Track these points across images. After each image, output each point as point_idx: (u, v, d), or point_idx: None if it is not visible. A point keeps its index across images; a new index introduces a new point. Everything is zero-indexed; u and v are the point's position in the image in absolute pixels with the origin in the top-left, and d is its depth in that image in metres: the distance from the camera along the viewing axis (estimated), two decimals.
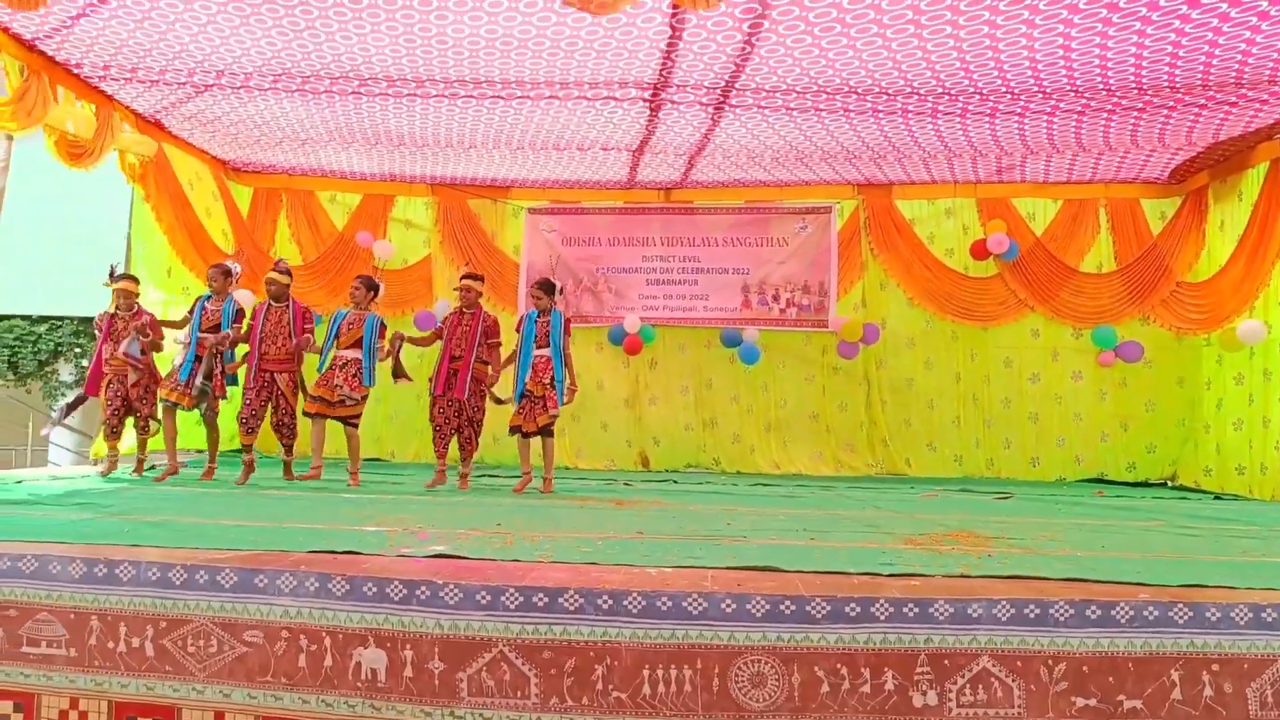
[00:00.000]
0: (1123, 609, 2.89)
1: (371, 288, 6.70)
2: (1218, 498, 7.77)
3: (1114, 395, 9.14)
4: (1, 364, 13.47)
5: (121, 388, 6.66)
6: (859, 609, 2.84)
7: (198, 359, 6.46)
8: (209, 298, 6.66)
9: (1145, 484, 8.97)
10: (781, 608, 2.83)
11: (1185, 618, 2.89)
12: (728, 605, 2.83)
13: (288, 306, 6.59)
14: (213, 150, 8.82)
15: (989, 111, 6.89)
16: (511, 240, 9.83)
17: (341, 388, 6.38)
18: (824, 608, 2.83)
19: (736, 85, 6.57)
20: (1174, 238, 8.79)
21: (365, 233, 9.52)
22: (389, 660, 2.84)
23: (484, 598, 2.84)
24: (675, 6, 5.35)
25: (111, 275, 6.70)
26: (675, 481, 7.89)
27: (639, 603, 2.82)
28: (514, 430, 6.47)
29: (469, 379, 6.46)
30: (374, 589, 2.89)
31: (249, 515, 4.60)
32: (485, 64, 6.36)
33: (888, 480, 9.10)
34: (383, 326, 6.61)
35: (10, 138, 6.63)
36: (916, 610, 2.84)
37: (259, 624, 2.92)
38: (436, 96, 7.01)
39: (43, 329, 13.69)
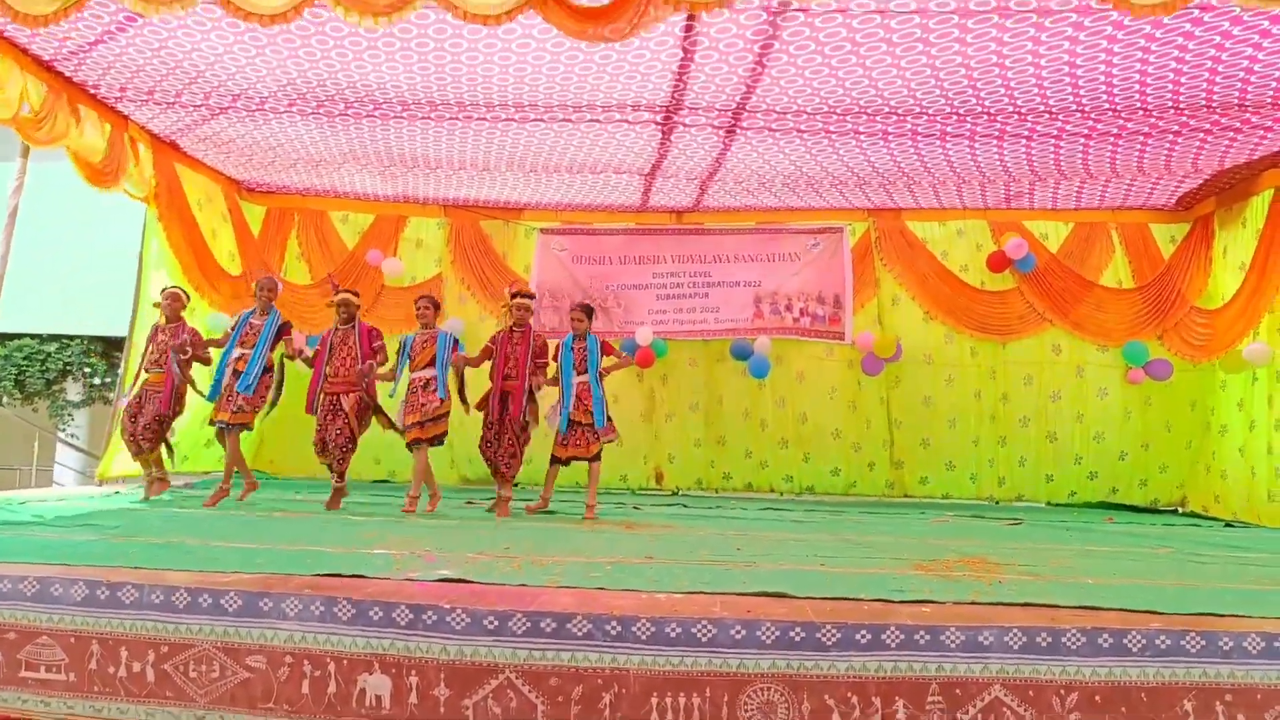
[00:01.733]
0: (1135, 637, 2.86)
1: (437, 306, 6.72)
2: (1228, 524, 7.70)
3: (1138, 414, 9.03)
4: (9, 382, 13.51)
5: (139, 402, 6.58)
6: (870, 636, 2.81)
7: (267, 370, 6.48)
8: (252, 313, 6.65)
9: (1155, 510, 8.89)
10: (791, 634, 2.81)
11: (1198, 647, 2.86)
12: (737, 632, 2.81)
13: (353, 328, 6.53)
14: (227, 171, 8.88)
15: (997, 134, 6.89)
16: (522, 259, 9.84)
17: (426, 406, 6.36)
18: (834, 634, 2.81)
19: (748, 107, 6.60)
20: (1183, 263, 8.76)
21: (375, 251, 9.55)
22: (394, 686, 2.82)
23: (491, 623, 2.83)
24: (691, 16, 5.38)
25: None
26: (685, 505, 7.86)
27: (648, 629, 2.81)
28: (557, 461, 6.53)
29: (525, 400, 6.44)
30: (380, 613, 2.88)
31: (256, 538, 4.60)
32: (499, 88, 6.41)
33: (899, 503, 9.05)
34: (455, 343, 6.61)
35: (26, 155, 6.69)
36: (928, 638, 2.82)
37: (262, 649, 2.90)
38: (450, 119, 7.05)
39: (52, 348, 13.74)
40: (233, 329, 6.65)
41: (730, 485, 9.52)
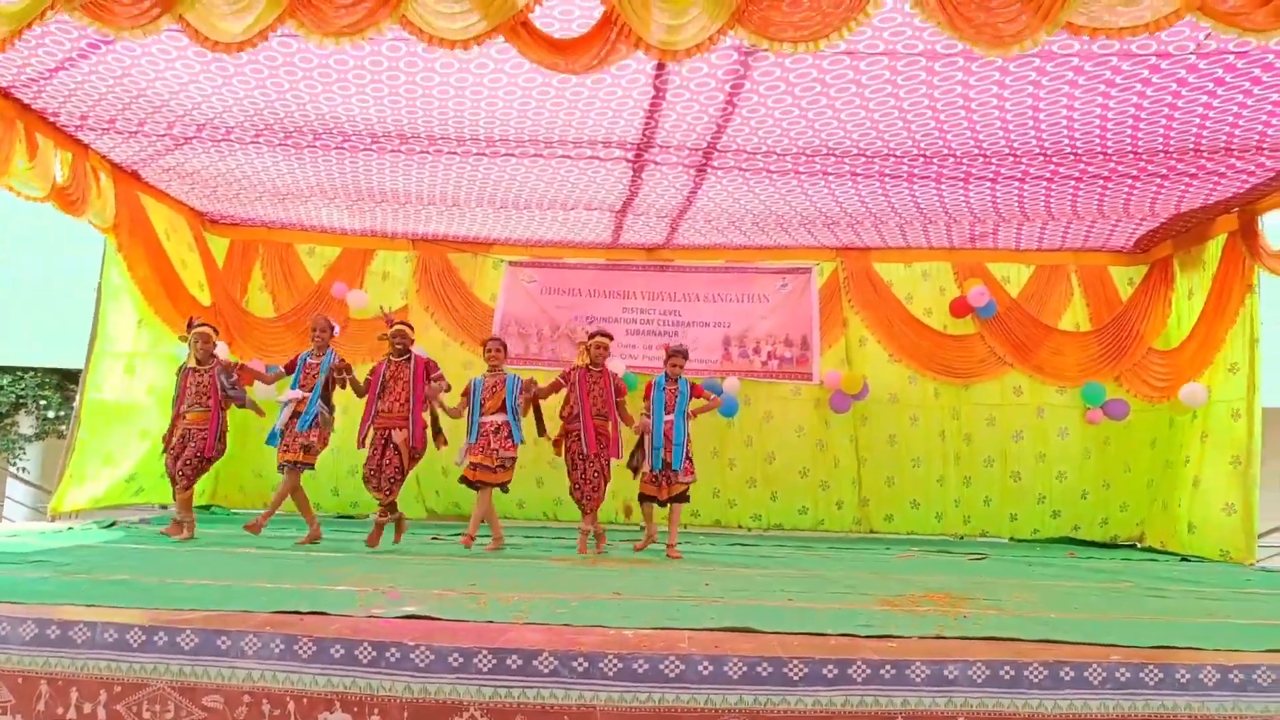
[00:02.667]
0: (1095, 670, 2.89)
1: (505, 347, 6.75)
2: (1184, 559, 7.83)
3: (1097, 454, 9.20)
4: None
5: (181, 443, 6.48)
6: (836, 671, 2.82)
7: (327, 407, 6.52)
8: (309, 354, 6.62)
9: (1115, 545, 9.01)
10: (759, 669, 2.80)
11: (1156, 679, 2.90)
12: (705, 667, 2.80)
13: (408, 361, 6.48)
14: (190, 202, 8.80)
15: (963, 176, 7.03)
16: (489, 289, 9.83)
17: (498, 451, 6.40)
18: (801, 669, 2.81)
19: (718, 146, 6.68)
20: (1141, 305, 8.96)
21: (340, 284, 9.50)
22: None
23: (456, 660, 2.79)
24: (658, 76, 5.48)
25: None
26: (653, 541, 7.81)
27: (615, 665, 2.79)
28: (647, 499, 6.71)
29: (617, 436, 6.62)
30: (342, 650, 2.83)
31: (213, 574, 4.51)
32: (470, 122, 6.44)
33: (865, 539, 9.08)
34: (522, 383, 6.64)
35: None
36: (893, 672, 2.83)
37: (219, 688, 2.84)
38: (421, 153, 7.05)
39: (4, 380, 13.44)
40: (288, 370, 6.66)
41: (698, 522, 9.50)
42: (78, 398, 7.73)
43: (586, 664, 2.78)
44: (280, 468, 6.44)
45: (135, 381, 8.07)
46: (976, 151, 6.54)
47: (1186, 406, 8.06)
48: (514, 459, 6.49)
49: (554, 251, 9.80)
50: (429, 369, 6.49)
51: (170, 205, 8.55)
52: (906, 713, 2.80)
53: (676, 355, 6.78)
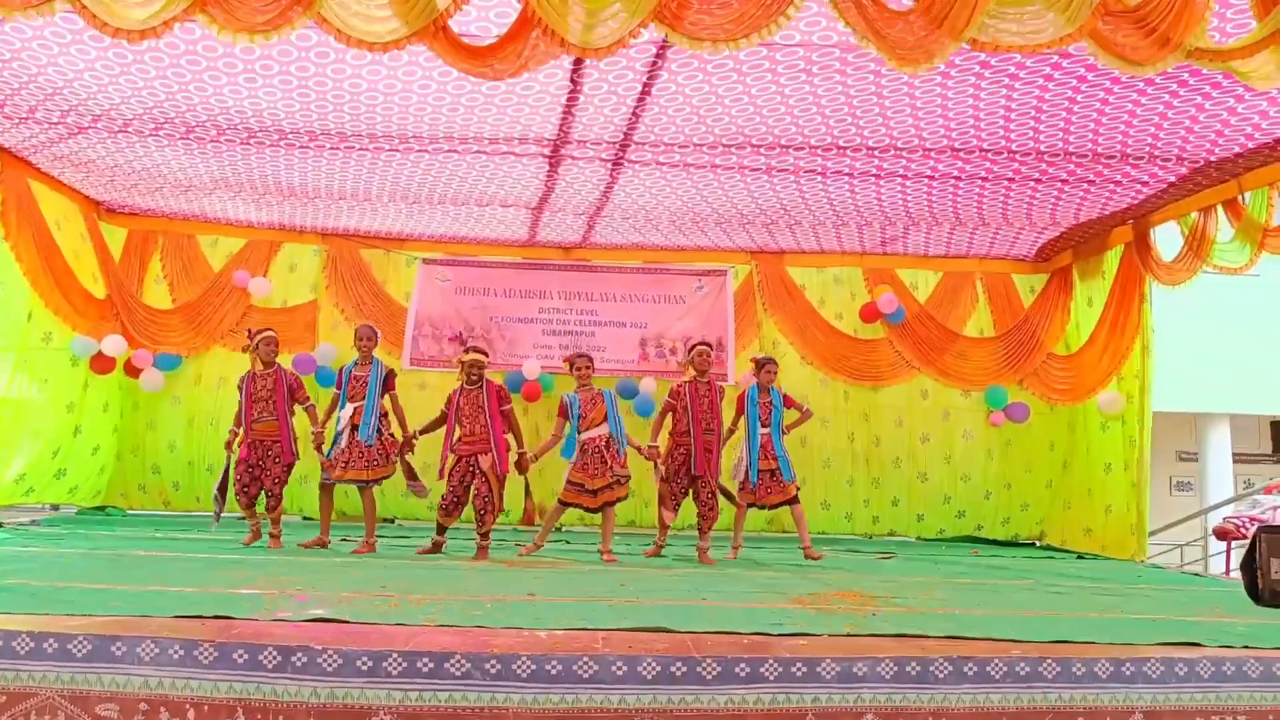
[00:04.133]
0: (997, 665, 2.99)
1: (592, 362, 6.62)
2: (1080, 557, 8.17)
3: (1000, 455, 9.51)
4: None
5: (257, 455, 6.31)
6: (749, 669, 2.85)
7: (388, 435, 6.41)
8: (354, 364, 6.45)
9: (1016, 543, 9.35)
10: (673, 669, 2.82)
11: (1054, 673, 3.02)
12: (619, 668, 2.80)
13: (482, 388, 6.33)
14: (85, 190, 8.40)
15: (875, 171, 7.14)
16: (402, 287, 9.64)
17: (612, 470, 6.30)
18: (715, 668, 2.83)
19: (635, 138, 6.65)
20: (1042, 312, 9.32)
21: (241, 271, 9.19)
22: None
23: (365, 664, 2.73)
24: (576, 71, 5.45)
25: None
26: (568, 542, 7.80)
27: (528, 667, 2.76)
28: (755, 505, 6.76)
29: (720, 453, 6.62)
30: (245, 656, 2.74)
31: (108, 578, 4.32)
32: (383, 117, 6.30)
33: (778, 538, 9.21)
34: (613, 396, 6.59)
35: None
36: (805, 670, 2.87)
37: (114, 696, 2.72)
38: (331, 149, 6.88)
39: None
40: (339, 385, 6.47)
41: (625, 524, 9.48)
42: None
43: (499, 666, 2.75)
44: (325, 482, 6.37)
45: (25, 378, 7.67)
46: (888, 142, 6.59)
47: (1105, 414, 8.40)
48: (629, 475, 6.44)
49: (469, 249, 9.68)
50: (502, 397, 6.40)
51: (63, 193, 8.13)
52: (817, 710, 2.85)
53: (769, 364, 6.80)
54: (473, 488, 6.23)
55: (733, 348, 9.60)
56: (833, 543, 8.89)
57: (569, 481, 6.38)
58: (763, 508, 6.84)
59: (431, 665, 2.74)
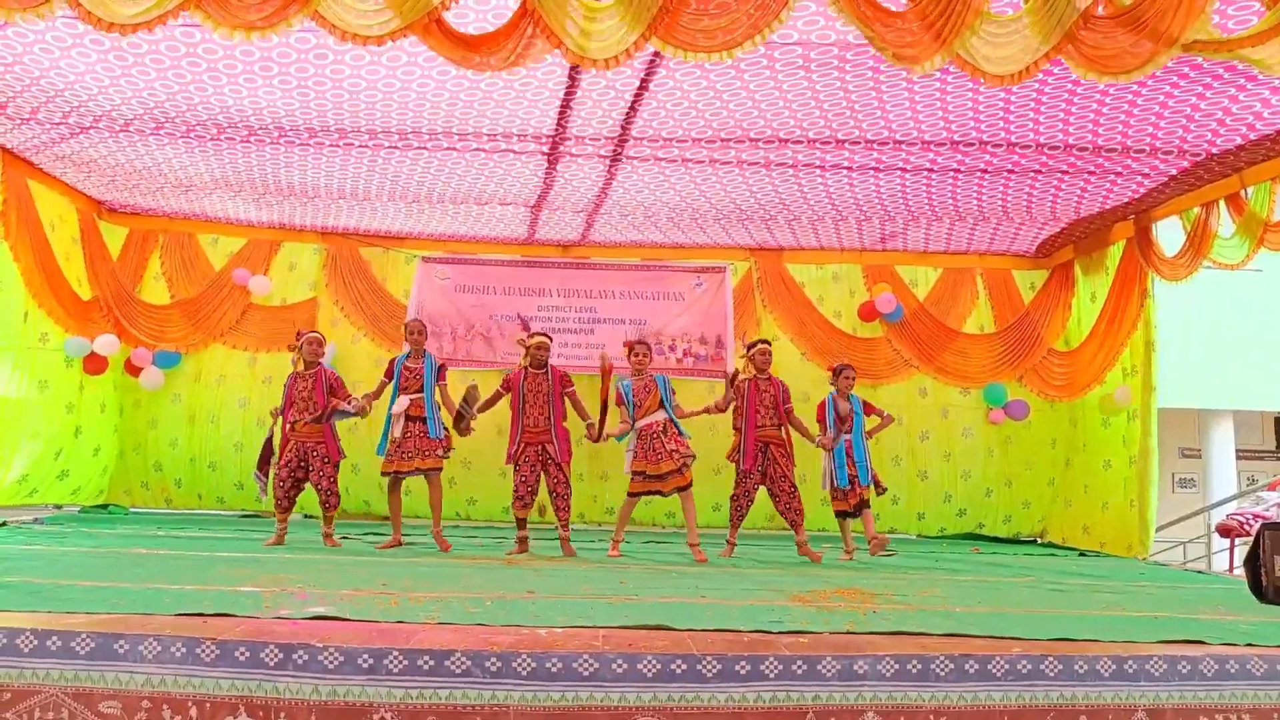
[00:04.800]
0: (998, 663, 2.99)
1: (650, 349, 6.66)
2: (1083, 554, 8.17)
3: (1000, 453, 9.50)
4: None
5: (298, 457, 6.33)
6: (749, 667, 2.85)
7: (459, 418, 6.44)
8: (407, 356, 6.47)
9: (1017, 541, 9.34)
10: (673, 667, 2.82)
11: (1055, 670, 3.01)
12: (619, 666, 2.80)
13: (546, 374, 6.37)
14: (86, 190, 8.41)
15: (874, 165, 7.12)
16: (401, 285, 9.64)
17: (677, 453, 6.27)
18: (715, 666, 2.83)
19: (633, 134, 6.65)
20: (1043, 308, 9.31)
21: (241, 269, 9.20)
22: None
23: (366, 661, 2.73)
24: (575, 67, 5.44)
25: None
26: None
27: (528, 665, 2.77)
28: (841, 515, 7.01)
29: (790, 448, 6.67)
30: (247, 653, 2.75)
31: (111, 576, 4.33)
32: (381, 115, 6.30)
33: (778, 536, 9.21)
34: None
35: None
36: (805, 667, 2.87)
37: (117, 694, 2.73)
38: (330, 147, 6.88)
39: None
40: (388, 378, 6.51)
41: (613, 519, 9.48)
42: None
43: (499, 664, 2.76)
44: (394, 477, 6.39)
45: (23, 378, 7.67)
46: (887, 135, 6.57)
47: (1107, 410, 8.39)
48: (694, 456, 6.43)
49: (468, 247, 9.69)
50: (564, 381, 6.45)
51: (63, 193, 8.13)
52: (818, 708, 2.85)
53: (846, 369, 6.87)
54: (542, 477, 6.32)
55: (731, 344, 9.59)
56: (832, 540, 8.88)
57: (633, 473, 6.37)
58: (851, 514, 6.95)
59: (432, 663, 2.74)
